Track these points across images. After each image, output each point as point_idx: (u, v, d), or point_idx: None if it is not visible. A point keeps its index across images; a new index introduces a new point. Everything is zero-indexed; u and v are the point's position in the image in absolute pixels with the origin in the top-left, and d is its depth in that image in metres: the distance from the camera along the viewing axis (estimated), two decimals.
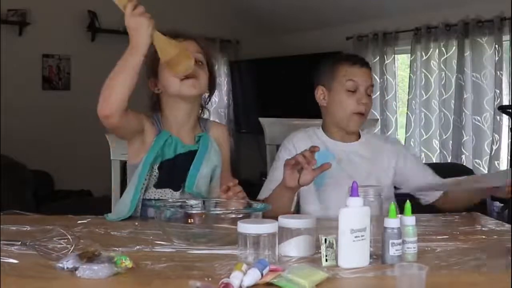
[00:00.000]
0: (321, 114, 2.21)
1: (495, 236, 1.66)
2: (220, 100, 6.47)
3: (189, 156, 1.88)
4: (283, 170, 1.81)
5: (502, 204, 4.59)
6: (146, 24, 1.65)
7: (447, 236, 1.64)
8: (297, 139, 2.11)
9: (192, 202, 1.74)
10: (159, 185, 1.85)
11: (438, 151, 5.14)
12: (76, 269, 1.20)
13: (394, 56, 5.57)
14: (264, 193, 2.01)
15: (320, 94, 2.12)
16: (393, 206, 1.35)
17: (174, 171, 1.86)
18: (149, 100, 1.95)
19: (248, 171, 6.22)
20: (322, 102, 2.13)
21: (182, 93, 1.86)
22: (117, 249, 1.40)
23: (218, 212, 1.63)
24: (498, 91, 4.73)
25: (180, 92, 1.86)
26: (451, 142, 5.03)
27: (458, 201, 2.06)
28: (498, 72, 4.72)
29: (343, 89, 2.05)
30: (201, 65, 1.89)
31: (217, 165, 1.94)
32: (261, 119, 2.42)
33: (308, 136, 2.13)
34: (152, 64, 1.89)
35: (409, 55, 5.35)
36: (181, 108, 1.91)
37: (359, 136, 2.16)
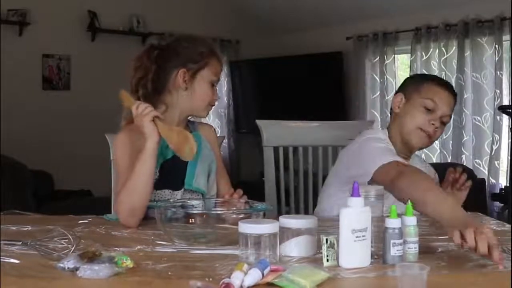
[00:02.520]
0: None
1: (496, 236, 1.66)
2: (220, 100, 6.46)
3: None
4: None
5: (502, 204, 4.59)
6: (149, 124, 1.74)
7: (447, 236, 1.63)
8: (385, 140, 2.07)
9: (194, 202, 1.74)
10: (158, 186, 1.85)
11: (438, 151, 5.14)
12: (77, 269, 1.20)
13: (394, 56, 5.57)
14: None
15: (398, 100, 2.10)
16: (394, 207, 1.35)
17: (173, 171, 1.87)
18: (156, 81, 1.88)
19: (248, 171, 6.23)
20: (396, 108, 2.10)
21: (200, 114, 1.98)
22: (118, 249, 1.40)
23: (219, 212, 1.63)
24: (498, 91, 4.73)
25: (198, 113, 1.97)
26: (451, 142, 5.03)
27: None
28: (498, 72, 4.72)
29: (421, 104, 2.03)
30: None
31: (212, 160, 1.97)
32: (258, 121, 2.42)
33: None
34: (192, 59, 1.90)
35: (409, 55, 5.35)
36: (182, 114, 1.94)
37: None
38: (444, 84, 2.09)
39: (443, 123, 2.05)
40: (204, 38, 2.02)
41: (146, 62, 1.88)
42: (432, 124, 2.02)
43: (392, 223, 1.32)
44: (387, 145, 2.01)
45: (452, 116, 4.96)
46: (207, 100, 1.93)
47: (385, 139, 2.07)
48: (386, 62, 5.52)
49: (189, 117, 2.00)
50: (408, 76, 2.18)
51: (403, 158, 2.04)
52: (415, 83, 2.11)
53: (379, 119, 5.51)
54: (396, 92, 2.15)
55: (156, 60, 1.88)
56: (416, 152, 2.22)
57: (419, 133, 2.03)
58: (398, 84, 6.08)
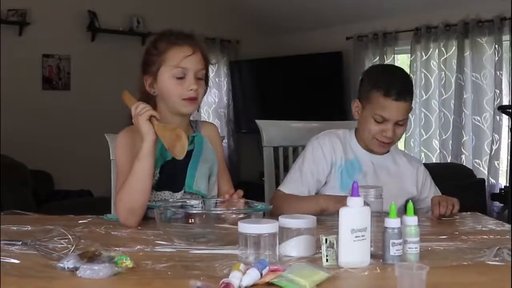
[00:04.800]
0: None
1: (496, 236, 1.67)
2: (220, 100, 6.47)
3: (186, 157, 1.89)
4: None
5: (502, 204, 4.60)
6: (145, 123, 1.75)
7: (447, 236, 1.64)
8: (334, 143, 2.10)
9: (193, 202, 1.74)
10: (158, 187, 1.86)
11: (438, 151, 5.15)
12: (76, 269, 1.20)
13: (394, 56, 5.58)
14: (288, 190, 2.02)
15: (355, 107, 2.09)
16: (393, 206, 1.35)
17: (173, 172, 1.87)
18: (140, 95, 1.90)
19: (248, 171, 6.23)
20: (355, 115, 2.10)
21: (181, 111, 1.89)
22: (118, 249, 1.40)
23: (218, 212, 1.63)
24: (498, 91, 4.74)
25: (178, 110, 1.88)
26: (451, 142, 5.04)
27: None
28: (498, 72, 4.73)
29: (371, 116, 2.01)
30: (201, 81, 1.90)
31: (213, 162, 1.96)
32: (258, 122, 2.43)
33: (341, 140, 2.11)
34: (150, 62, 1.89)
35: (409, 55, 5.35)
36: (175, 115, 1.92)
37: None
38: (391, 93, 1.96)
39: (403, 124, 2.02)
40: (169, 31, 1.92)
41: (140, 74, 1.92)
42: (385, 135, 2.00)
43: (392, 222, 1.32)
44: (322, 152, 2.07)
45: (453, 117, 4.94)
46: (176, 95, 1.85)
47: (341, 136, 2.11)
48: (386, 62, 5.52)
49: (187, 117, 1.99)
50: (363, 73, 2.14)
51: (377, 154, 2.10)
52: (366, 90, 2.04)
53: None
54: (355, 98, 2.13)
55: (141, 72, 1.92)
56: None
57: (376, 142, 2.04)
58: None
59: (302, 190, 2.04)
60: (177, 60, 1.84)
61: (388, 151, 2.11)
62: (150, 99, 1.89)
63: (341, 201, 1.83)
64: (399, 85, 1.99)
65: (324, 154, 2.07)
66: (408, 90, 2.02)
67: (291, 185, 2.06)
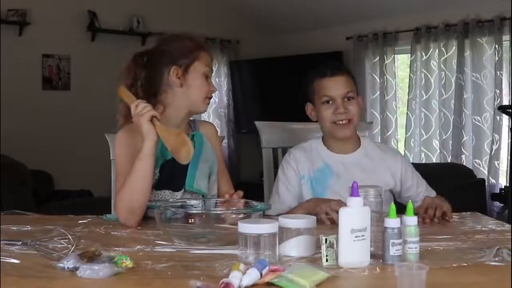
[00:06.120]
0: None
1: (496, 236, 1.67)
2: (220, 100, 6.47)
3: None
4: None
5: (502, 204, 4.60)
6: (146, 123, 1.75)
7: (447, 236, 1.64)
8: (298, 157, 2.14)
9: (193, 202, 1.74)
10: (158, 186, 1.85)
11: (438, 151, 5.14)
12: (76, 269, 1.20)
13: (394, 56, 5.57)
14: (274, 212, 2.03)
15: (309, 110, 2.16)
16: (393, 206, 1.35)
17: (174, 171, 1.87)
18: (148, 85, 1.90)
19: (248, 171, 6.23)
20: (313, 117, 2.16)
21: (200, 108, 1.94)
22: (118, 249, 1.40)
23: (218, 212, 1.63)
24: (498, 91, 4.73)
25: (198, 107, 1.93)
26: (451, 142, 5.04)
27: None
28: (498, 72, 4.73)
29: (320, 102, 2.09)
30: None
31: (213, 161, 1.96)
32: (257, 123, 2.43)
33: (306, 153, 2.15)
34: (179, 54, 1.89)
35: (409, 55, 5.35)
36: (182, 113, 1.92)
37: (359, 144, 2.15)
38: (326, 72, 2.08)
39: (352, 98, 2.08)
40: (190, 34, 1.98)
41: (134, 69, 1.89)
42: (339, 113, 2.06)
43: (391, 222, 1.32)
44: (292, 168, 2.12)
45: (453, 117, 4.92)
46: (203, 92, 1.91)
47: (307, 147, 2.15)
48: (386, 62, 5.52)
49: (190, 117, 1.99)
50: (304, 86, 2.19)
51: (347, 153, 2.14)
52: (309, 86, 2.13)
53: (379, 119, 5.51)
54: (305, 103, 2.19)
55: (145, 65, 1.90)
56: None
57: (335, 126, 2.08)
58: (398, 84, 6.09)
59: (284, 208, 2.06)
60: (207, 61, 1.93)
61: (351, 136, 2.12)
62: (148, 98, 1.87)
63: (324, 201, 1.90)
64: (331, 66, 2.13)
65: (294, 170, 2.13)
66: (343, 68, 2.16)
67: (273, 207, 2.06)
